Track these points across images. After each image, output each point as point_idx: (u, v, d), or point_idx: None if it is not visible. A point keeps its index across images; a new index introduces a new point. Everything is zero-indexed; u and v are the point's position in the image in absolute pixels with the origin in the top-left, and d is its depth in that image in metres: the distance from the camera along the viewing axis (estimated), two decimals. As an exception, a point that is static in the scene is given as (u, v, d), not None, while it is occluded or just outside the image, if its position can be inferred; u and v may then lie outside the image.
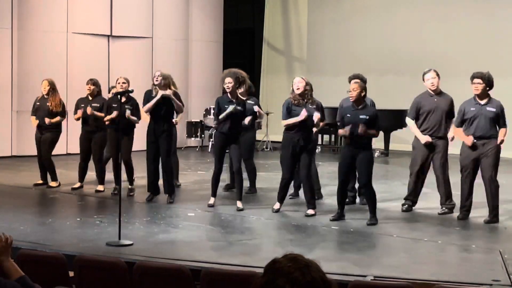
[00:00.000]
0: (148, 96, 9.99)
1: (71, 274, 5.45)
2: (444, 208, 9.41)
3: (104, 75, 15.77)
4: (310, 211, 9.13)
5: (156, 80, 9.94)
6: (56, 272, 5.33)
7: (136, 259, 6.35)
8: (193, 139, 17.41)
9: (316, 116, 9.16)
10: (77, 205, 10.16)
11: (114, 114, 10.27)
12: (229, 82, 9.63)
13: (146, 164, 10.21)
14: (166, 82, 9.92)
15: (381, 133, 15.95)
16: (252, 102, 10.46)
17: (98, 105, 10.74)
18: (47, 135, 11.21)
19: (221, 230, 8.46)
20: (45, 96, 11.31)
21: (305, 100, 9.25)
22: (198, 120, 17.30)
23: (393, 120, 15.42)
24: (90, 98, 10.93)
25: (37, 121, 11.27)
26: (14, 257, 4.34)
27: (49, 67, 15.26)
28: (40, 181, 11.39)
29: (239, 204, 9.54)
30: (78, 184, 11.01)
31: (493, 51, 16.20)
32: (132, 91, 9.25)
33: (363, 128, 8.54)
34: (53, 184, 11.19)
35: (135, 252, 7.09)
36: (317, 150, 16.65)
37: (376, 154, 16.13)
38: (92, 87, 10.90)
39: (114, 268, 5.31)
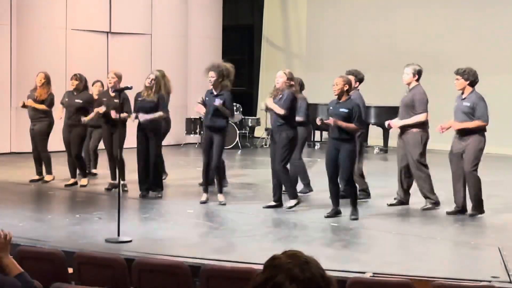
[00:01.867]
0: (135, 100, 10.21)
1: (70, 270, 5.45)
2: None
3: (103, 71, 15.72)
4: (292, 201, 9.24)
5: (149, 83, 10.07)
6: (55, 268, 5.33)
7: (135, 256, 6.35)
8: (192, 135, 17.40)
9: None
10: (76, 201, 10.15)
11: (102, 108, 10.39)
12: (211, 76, 9.66)
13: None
14: (157, 87, 10.07)
15: (380, 130, 15.98)
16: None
17: (81, 101, 10.85)
18: (37, 127, 11.20)
19: (220, 226, 8.46)
20: (37, 88, 11.29)
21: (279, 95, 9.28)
22: (197, 117, 17.28)
23: (392, 117, 15.35)
24: (75, 93, 11.00)
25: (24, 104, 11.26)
26: (13, 253, 4.34)
27: (48, 63, 15.21)
28: (36, 177, 11.37)
29: (220, 197, 9.62)
30: (72, 180, 11.05)
31: (491, 48, 16.21)
32: (131, 88, 9.25)
33: (333, 119, 8.62)
34: (48, 178, 11.21)
35: (134, 248, 7.09)
36: (316, 147, 16.75)
37: (375, 150, 16.15)
38: (76, 82, 10.94)
39: (113, 265, 5.31)
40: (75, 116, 10.82)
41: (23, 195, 10.41)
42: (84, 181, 10.92)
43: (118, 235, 7.48)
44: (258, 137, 17.96)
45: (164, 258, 6.46)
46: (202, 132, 17.23)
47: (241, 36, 21.17)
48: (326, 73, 18.02)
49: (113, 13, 16.31)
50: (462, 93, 8.97)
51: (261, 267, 2.39)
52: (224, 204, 9.49)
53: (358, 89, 9.91)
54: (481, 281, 6.02)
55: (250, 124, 17.78)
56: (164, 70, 11.90)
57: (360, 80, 9.99)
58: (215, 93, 9.64)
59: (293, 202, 9.22)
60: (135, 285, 5.28)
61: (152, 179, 10.15)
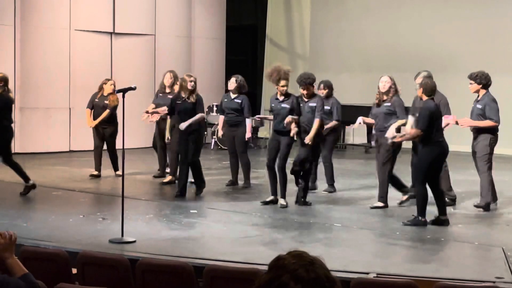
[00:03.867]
0: (174, 102, 10.34)
1: (74, 271, 5.45)
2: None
3: (106, 72, 15.76)
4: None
5: (192, 86, 10.15)
6: (59, 269, 5.34)
7: (139, 256, 6.35)
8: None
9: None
10: (79, 202, 10.15)
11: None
12: (286, 85, 9.64)
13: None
14: (195, 88, 10.25)
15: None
16: (239, 101, 11.03)
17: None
18: (109, 130, 11.78)
19: (223, 227, 8.45)
20: (104, 95, 11.77)
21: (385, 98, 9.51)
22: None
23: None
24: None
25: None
26: (17, 254, 4.35)
27: (52, 64, 15.26)
28: (96, 172, 11.85)
29: (282, 201, 9.54)
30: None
31: (496, 48, 16.19)
32: (135, 88, 9.26)
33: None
34: (119, 173, 11.62)
35: (138, 249, 7.09)
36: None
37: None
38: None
39: (117, 265, 5.31)
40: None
41: (27, 196, 10.41)
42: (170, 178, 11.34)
43: (122, 235, 7.48)
44: (262, 138, 17.94)
45: (168, 258, 6.46)
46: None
47: (245, 37, 21.16)
48: (329, 74, 17.99)
49: (116, 14, 16.32)
50: (478, 96, 9.35)
51: (265, 267, 2.39)
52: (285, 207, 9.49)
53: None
54: (485, 281, 6.02)
55: (253, 125, 17.76)
56: (167, 70, 11.99)
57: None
58: (280, 99, 9.69)
59: (380, 204, 9.46)
60: (139, 286, 5.28)
61: (194, 179, 10.34)
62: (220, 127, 11.17)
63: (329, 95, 10.82)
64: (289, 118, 9.34)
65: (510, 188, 11.02)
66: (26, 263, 4.24)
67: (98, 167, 11.85)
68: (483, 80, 9.26)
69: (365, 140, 16.39)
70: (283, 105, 9.60)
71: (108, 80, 12.04)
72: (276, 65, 9.93)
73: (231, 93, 11.06)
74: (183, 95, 10.16)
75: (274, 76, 9.67)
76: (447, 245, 7.76)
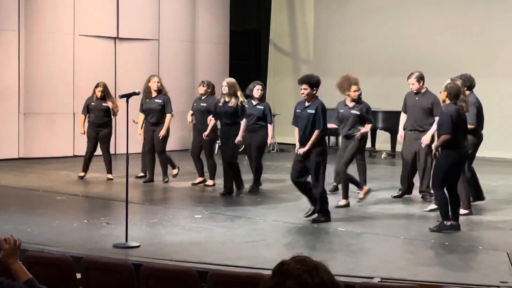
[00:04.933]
0: (215, 106, 10.87)
1: (78, 276, 5.46)
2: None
3: (110, 77, 15.78)
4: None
5: (223, 90, 10.60)
6: (63, 274, 5.34)
7: (143, 261, 6.35)
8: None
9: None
10: (83, 207, 10.17)
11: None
12: (357, 90, 10.05)
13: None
14: (231, 91, 10.55)
15: (387, 134, 15.97)
16: (262, 107, 11.21)
17: (206, 104, 11.46)
18: (105, 131, 12.03)
19: (227, 231, 8.45)
20: (98, 98, 12.02)
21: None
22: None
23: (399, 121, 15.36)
24: (202, 98, 11.75)
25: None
26: (21, 259, 4.35)
27: (56, 69, 15.29)
28: (109, 176, 12.05)
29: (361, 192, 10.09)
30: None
31: (499, 52, 16.18)
32: (138, 93, 9.27)
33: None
34: (109, 176, 11.97)
35: (142, 253, 7.09)
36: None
37: (383, 155, 16.12)
38: (204, 88, 11.70)
39: (121, 270, 5.31)
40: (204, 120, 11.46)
41: (31, 201, 10.43)
42: (210, 182, 11.60)
43: (126, 240, 7.49)
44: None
45: (172, 263, 6.45)
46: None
47: (248, 41, 21.18)
48: (333, 78, 17.92)
49: (120, 19, 16.35)
50: None
51: (269, 272, 2.38)
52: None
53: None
54: (489, 286, 6.01)
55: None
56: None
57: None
58: (350, 105, 10.05)
59: (433, 206, 9.46)
60: (143, 291, 5.27)
61: (234, 180, 10.67)
62: (242, 132, 11.02)
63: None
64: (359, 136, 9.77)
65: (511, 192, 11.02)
66: (31, 268, 4.24)
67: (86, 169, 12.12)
68: (467, 83, 9.20)
69: (369, 144, 16.38)
70: (353, 111, 9.83)
71: (99, 85, 12.15)
72: (344, 74, 10.23)
73: (252, 100, 11.14)
74: (222, 99, 10.63)
75: (345, 86, 9.91)
76: (451, 249, 7.74)
